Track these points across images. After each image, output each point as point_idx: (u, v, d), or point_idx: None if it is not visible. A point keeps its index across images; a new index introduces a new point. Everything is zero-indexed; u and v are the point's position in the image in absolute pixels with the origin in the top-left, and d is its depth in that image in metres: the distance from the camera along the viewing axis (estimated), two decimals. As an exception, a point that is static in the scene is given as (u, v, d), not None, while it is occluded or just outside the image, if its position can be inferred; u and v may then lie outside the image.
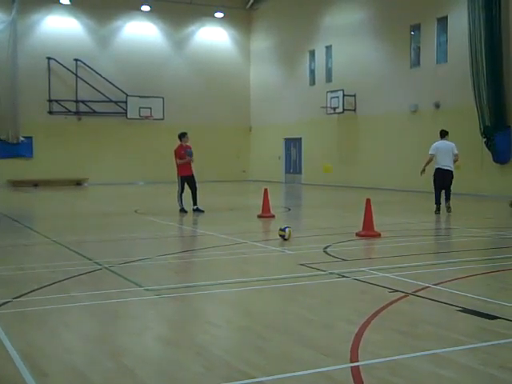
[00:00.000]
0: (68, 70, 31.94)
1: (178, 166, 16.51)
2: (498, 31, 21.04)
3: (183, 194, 16.37)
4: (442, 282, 7.25)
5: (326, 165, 18.51)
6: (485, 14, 21.04)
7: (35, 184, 30.35)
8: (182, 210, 16.11)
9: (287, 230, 10.84)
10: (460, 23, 22.59)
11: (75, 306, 6.39)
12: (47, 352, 4.87)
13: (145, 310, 6.30)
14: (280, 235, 10.87)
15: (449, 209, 15.38)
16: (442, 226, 13.18)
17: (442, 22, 24.01)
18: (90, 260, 9.01)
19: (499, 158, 21.24)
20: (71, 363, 4.61)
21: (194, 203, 16.24)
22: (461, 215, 15.60)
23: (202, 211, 16.06)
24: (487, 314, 5.82)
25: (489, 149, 21.36)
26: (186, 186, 16.42)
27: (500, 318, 5.72)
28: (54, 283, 7.34)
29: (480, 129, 21.54)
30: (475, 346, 4.92)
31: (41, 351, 4.88)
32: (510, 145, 21.12)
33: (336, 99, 28.46)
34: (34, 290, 6.95)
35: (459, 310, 6.01)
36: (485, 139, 21.42)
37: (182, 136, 16.71)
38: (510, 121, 21.22)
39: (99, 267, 8.43)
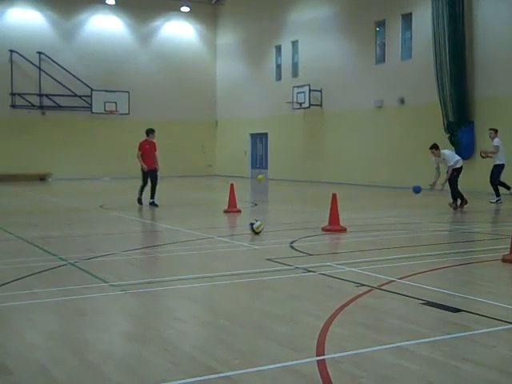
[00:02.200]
0: (31, 63, 31.47)
1: (143, 159, 16.83)
2: (461, 28, 21.31)
3: (145, 187, 16.88)
4: (406, 276, 7.34)
5: (260, 176, 20.57)
6: (448, 10, 21.31)
7: (-2, 179, 29.87)
8: (139, 202, 16.63)
9: (258, 222, 10.95)
10: (424, 20, 22.83)
11: (39, 302, 6.31)
12: (11, 349, 4.80)
13: (110, 306, 6.25)
14: (251, 225, 10.95)
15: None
16: (405, 220, 13.32)
17: (407, 18, 24.24)
18: (55, 256, 8.90)
19: (463, 153, 21.47)
20: (35, 360, 4.55)
21: (152, 197, 16.62)
22: (424, 210, 15.80)
23: (157, 206, 16.39)
24: (450, 307, 5.91)
25: (452, 144, 21.62)
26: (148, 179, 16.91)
27: (463, 310, 5.81)
28: (17, 279, 7.24)
29: (444, 124, 21.83)
30: (438, 338, 4.98)
31: (4, 349, 4.81)
32: (473, 140, 21.43)
33: (302, 94, 28.54)
34: (-4, 287, 6.85)
35: (423, 303, 6.09)
36: (448, 134, 21.70)
37: (151, 132, 17.05)
38: (473, 116, 21.53)
39: (64, 263, 8.34)
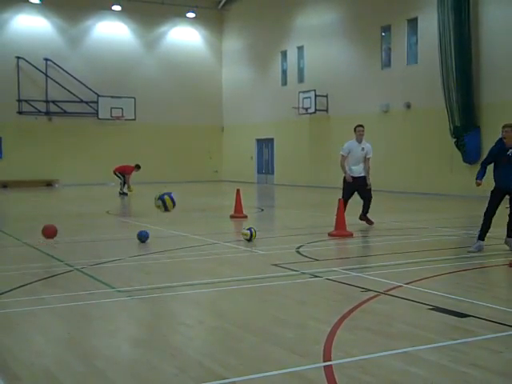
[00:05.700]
0: (38, 69, 31.59)
1: (126, 173, 23.60)
2: (467, 33, 21.30)
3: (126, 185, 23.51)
4: (413, 281, 7.32)
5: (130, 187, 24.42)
6: (454, 15, 21.30)
7: (4, 185, 29.96)
8: (123, 194, 23.08)
9: (251, 230, 10.88)
10: (430, 25, 22.82)
11: (46, 308, 6.32)
12: (19, 356, 4.81)
13: (116, 312, 6.26)
14: (243, 235, 10.90)
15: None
16: (412, 225, 13.29)
17: (412, 23, 24.24)
18: (61, 262, 8.92)
19: (469, 158, 21.49)
20: (43, 367, 4.56)
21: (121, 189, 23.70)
22: (430, 215, 15.76)
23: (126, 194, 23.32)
24: (458, 313, 5.89)
25: (459, 149, 21.61)
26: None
27: (471, 316, 5.79)
28: (24, 285, 7.26)
29: (450, 129, 21.79)
30: (446, 343, 4.97)
31: (12, 355, 4.82)
32: (479, 145, 21.38)
33: (308, 99, 28.56)
34: (4, 293, 6.86)
35: (430, 309, 6.07)
36: (455, 139, 21.66)
37: (139, 168, 23.77)
38: (479, 121, 21.48)
39: (70, 269, 8.35)
